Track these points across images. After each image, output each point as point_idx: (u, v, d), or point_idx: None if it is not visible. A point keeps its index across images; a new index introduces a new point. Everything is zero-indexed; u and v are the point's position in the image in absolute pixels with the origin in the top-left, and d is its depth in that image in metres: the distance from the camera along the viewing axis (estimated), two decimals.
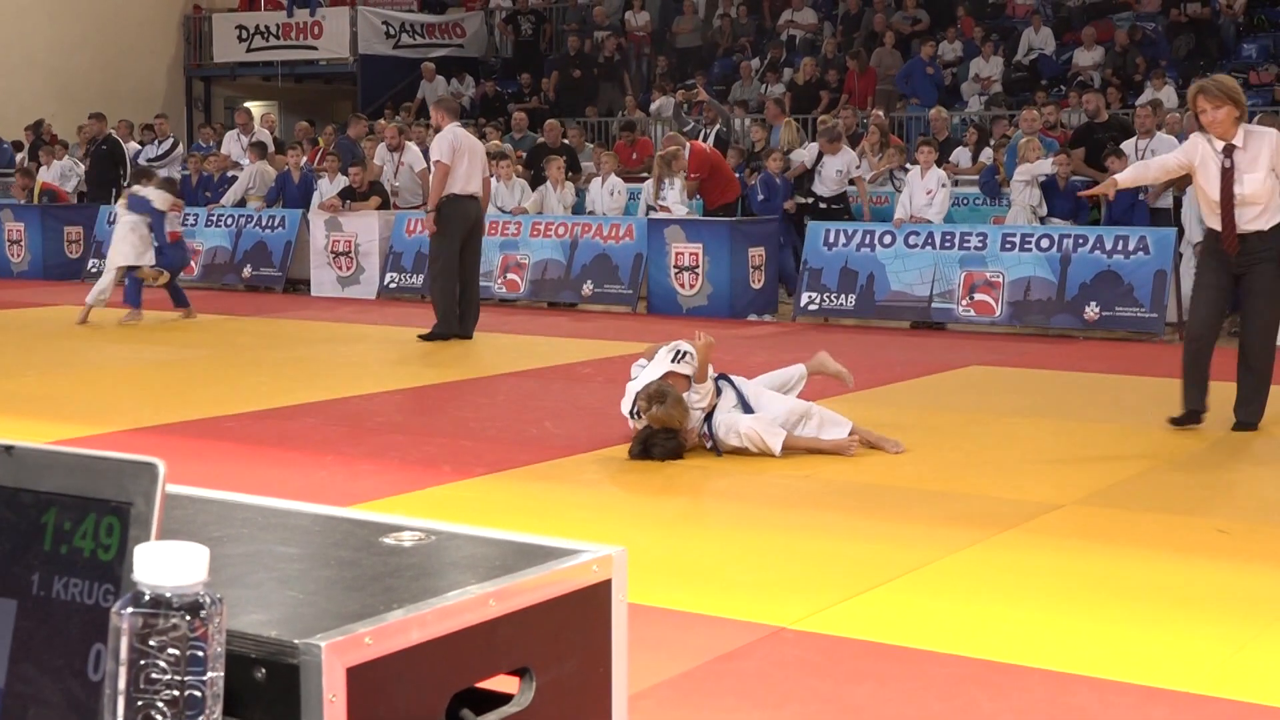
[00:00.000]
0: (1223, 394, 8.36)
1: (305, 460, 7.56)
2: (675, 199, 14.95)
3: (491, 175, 15.72)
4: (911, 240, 13.62)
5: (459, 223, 12.18)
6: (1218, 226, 8.16)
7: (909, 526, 6.26)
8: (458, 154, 12.10)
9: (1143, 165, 9.08)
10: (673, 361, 7.59)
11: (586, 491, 6.98)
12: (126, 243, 13.53)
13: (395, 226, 16.34)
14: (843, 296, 13.79)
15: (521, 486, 7.02)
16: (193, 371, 10.90)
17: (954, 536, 6.08)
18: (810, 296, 13.96)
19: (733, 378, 7.86)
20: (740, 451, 7.53)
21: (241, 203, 17.88)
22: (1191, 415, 8.31)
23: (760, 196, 15.18)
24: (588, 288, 15.10)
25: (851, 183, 15.51)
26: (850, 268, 13.82)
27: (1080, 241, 12.92)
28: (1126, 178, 8.67)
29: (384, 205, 16.50)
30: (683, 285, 14.44)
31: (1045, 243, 13.08)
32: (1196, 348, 8.30)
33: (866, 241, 13.86)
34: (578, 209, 16.52)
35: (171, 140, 20.32)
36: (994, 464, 7.64)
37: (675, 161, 15.03)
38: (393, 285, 16.23)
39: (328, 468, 7.38)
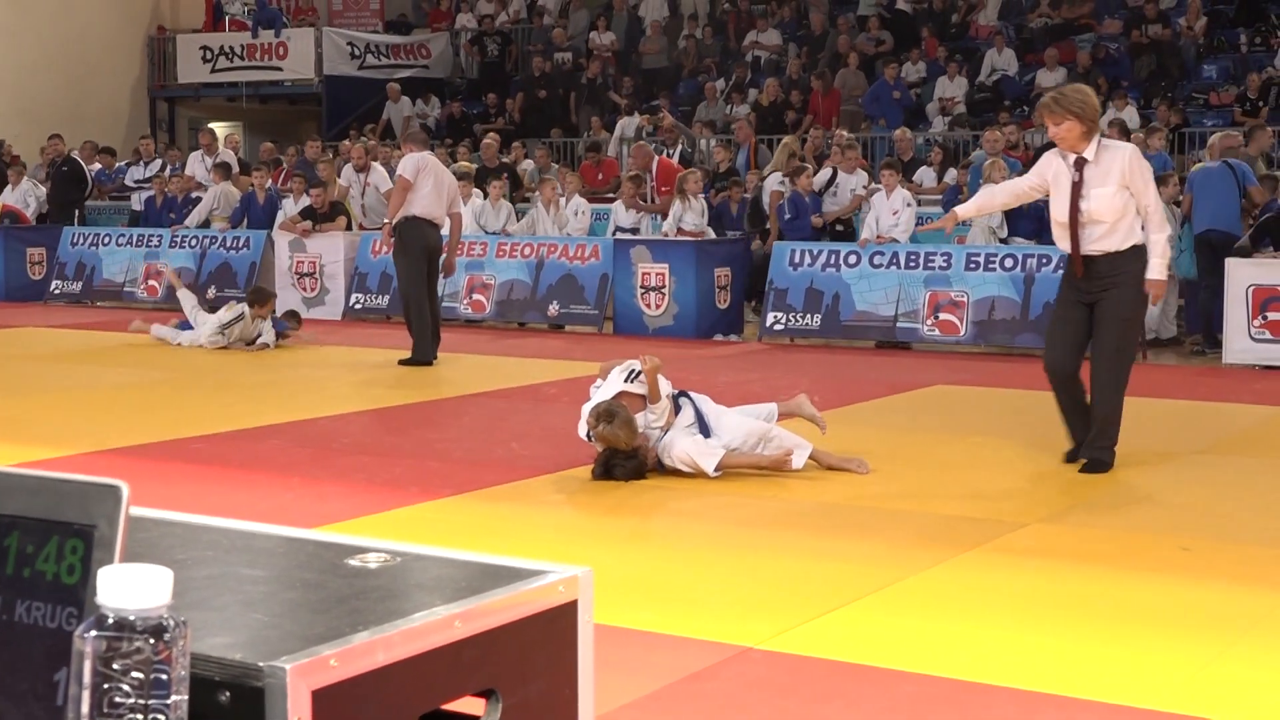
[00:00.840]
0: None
1: (271, 482, 7.53)
2: (695, 221, 14.92)
3: (484, 197, 15.87)
4: (876, 260, 13.68)
5: (420, 245, 11.99)
6: (1067, 248, 7.68)
7: (875, 546, 6.27)
8: (422, 175, 11.95)
9: (989, 191, 8.23)
10: (626, 381, 7.59)
11: (553, 512, 6.98)
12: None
13: (360, 247, 16.32)
14: (808, 316, 13.84)
15: (488, 508, 7.01)
16: (157, 393, 10.85)
17: (920, 556, 6.09)
18: (776, 316, 13.99)
19: (693, 395, 7.83)
20: (678, 472, 7.52)
21: (205, 224, 17.81)
22: (1079, 449, 7.85)
23: (788, 215, 14.99)
24: (553, 308, 15.10)
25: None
26: (816, 288, 13.87)
27: (1044, 261, 12.99)
28: (969, 209, 8.20)
29: (349, 226, 16.49)
30: (649, 305, 14.47)
31: (1009, 262, 13.15)
32: (1056, 384, 7.83)
33: (832, 261, 13.91)
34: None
35: (160, 162, 20.24)
36: (959, 483, 7.67)
37: (691, 181, 15.05)
38: (358, 306, 16.20)
39: (294, 489, 7.35)
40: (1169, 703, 4.39)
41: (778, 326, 13.99)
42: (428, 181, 11.99)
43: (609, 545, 6.36)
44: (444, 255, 12.23)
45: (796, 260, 14.06)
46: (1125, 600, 5.46)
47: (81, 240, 18.47)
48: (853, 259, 13.80)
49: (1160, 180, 13.53)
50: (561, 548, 6.20)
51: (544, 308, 15.16)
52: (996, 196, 8.40)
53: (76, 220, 19.31)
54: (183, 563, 1.68)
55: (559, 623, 1.67)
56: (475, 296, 15.51)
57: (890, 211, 14.04)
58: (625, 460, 7.42)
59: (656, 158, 15.75)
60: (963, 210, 8.20)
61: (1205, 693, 4.51)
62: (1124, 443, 8.51)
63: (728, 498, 7.19)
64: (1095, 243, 7.61)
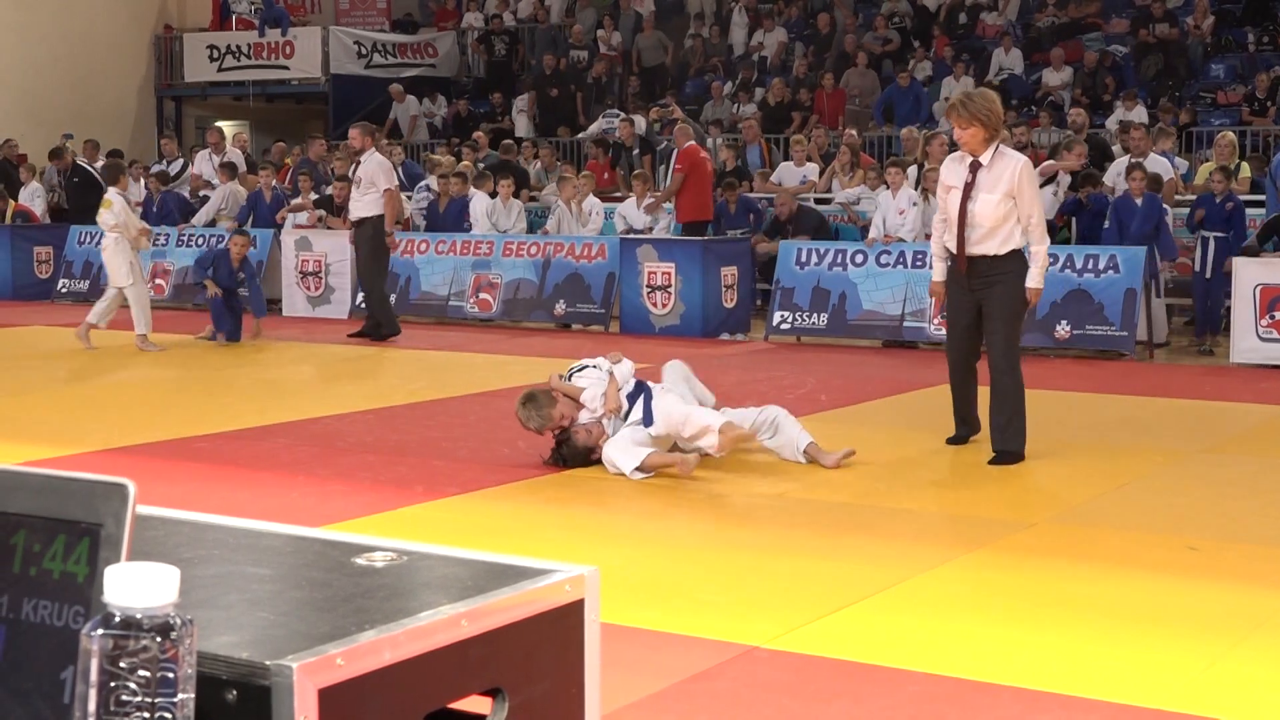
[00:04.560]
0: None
1: (277, 481, 7.54)
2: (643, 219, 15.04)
3: (491, 196, 16.15)
4: (883, 259, 13.67)
5: (383, 239, 13.87)
6: (952, 246, 7.99)
7: (881, 545, 6.27)
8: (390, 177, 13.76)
9: (934, 238, 8.24)
10: (578, 372, 7.99)
11: (559, 511, 6.98)
12: (119, 260, 13.43)
13: None
14: (815, 315, 13.83)
15: (494, 506, 7.01)
16: (163, 392, 10.86)
17: (926, 555, 6.09)
18: (783, 315, 13.98)
19: (651, 387, 7.88)
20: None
21: (212, 223, 17.83)
22: (959, 439, 8.33)
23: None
24: (560, 307, 15.10)
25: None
26: (822, 287, 13.85)
27: (1051, 260, 12.93)
28: (939, 270, 8.15)
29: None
30: (655, 305, 14.46)
31: None
32: (951, 372, 8.29)
33: (838, 261, 13.89)
34: (535, 229, 16.57)
35: (181, 161, 20.26)
36: (965, 483, 7.66)
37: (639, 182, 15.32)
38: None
39: (299, 488, 7.36)
40: (1175, 702, 4.38)
41: (784, 326, 13.98)
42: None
43: (615, 544, 6.36)
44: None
45: (803, 259, 14.05)
46: (1132, 600, 5.46)
47: (88, 239, 18.47)
48: (859, 258, 13.79)
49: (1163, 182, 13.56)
50: (567, 547, 6.21)
51: (550, 307, 15.17)
52: (939, 237, 8.26)
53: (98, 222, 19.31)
54: (189, 561, 1.68)
55: (565, 622, 1.68)
56: (482, 295, 15.51)
57: (897, 210, 14.03)
58: (560, 445, 7.79)
59: (689, 143, 15.75)
60: (936, 275, 8.23)
61: (1212, 692, 4.51)
62: (1130, 441, 8.51)
63: (734, 497, 7.19)
64: (975, 244, 7.96)
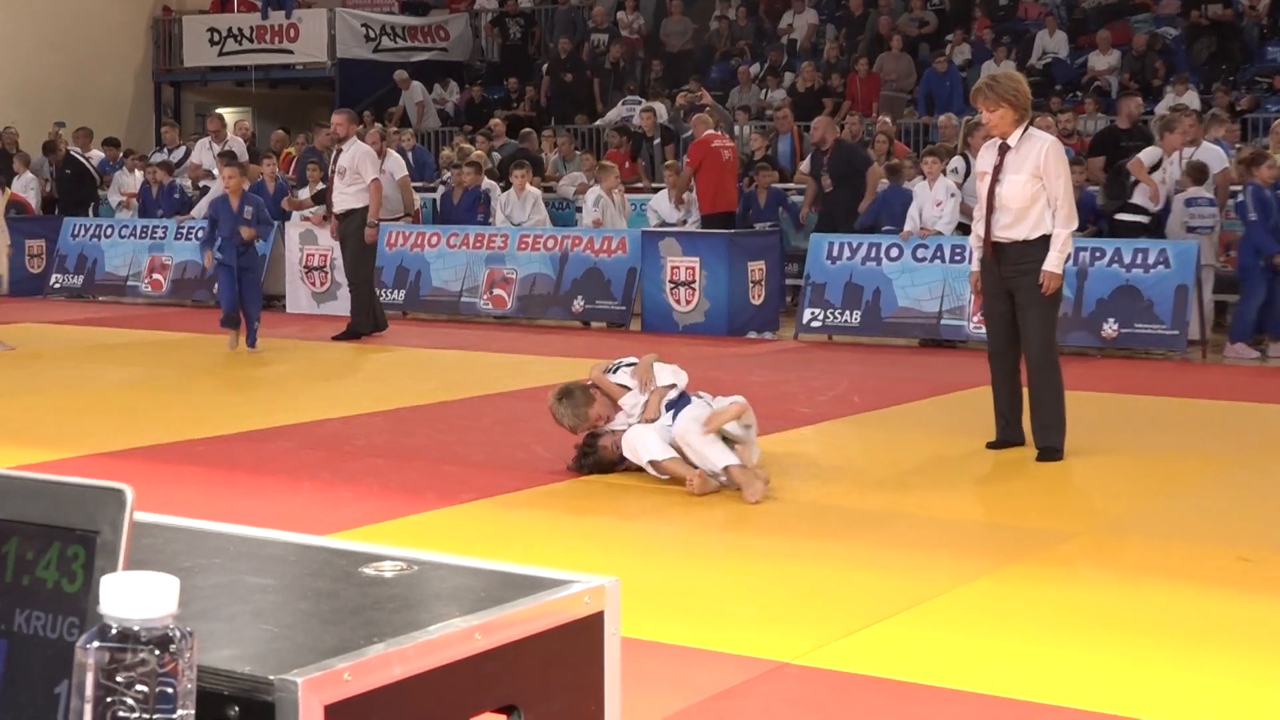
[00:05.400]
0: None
1: (280, 486, 7.55)
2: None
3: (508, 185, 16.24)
4: (920, 253, 13.65)
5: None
6: (981, 231, 8.16)
7: (919, 555, 6.26)
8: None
9: (974, 229, 8.32)
10: (613, 372, 7.91)
11: (578, 519, 6.98)
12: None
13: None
14: (847, 313, 13.81)
15: (509, 514, 7.02)
16: (161, 393, 10.89)
17: (966, 566, 6.08)
18: (813, 313, 13.97)
19: (693, 399, 7.76)
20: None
21: None
22: (1001, 443, 8.30)
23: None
24: (578, 304, 15.11)
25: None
26: (855, 282, 13.84)
27: (1097, 255, 12.94)
28: (976, 261, 8.26)
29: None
30: (678, 301, 14.46)
31: None
32: (992, 368, 8.32)
33: (872, 255, 13.88)
34: (563, 220, 16.56)
35: (184, 149, 20.35)
36: (1007, 490, 7.65)
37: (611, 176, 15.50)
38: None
39: (304, 494, 7.37)
40: None
41: (815, 324, 13.97)
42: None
43: (637, 554, 6.37)
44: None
45: (835, 253, 14.03)
46: (1182, 614, 5.44)
47: (83, 232, 18.56)
48: (894, 252, 13.77)
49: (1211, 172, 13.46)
50: (587, 556, 6.21)
51: (568, 304, 15.18)
52: (976, 225, 8.34)
53: (91, 213, 19.42)
54: (189, 571, 1.69)
55: (584, 635, 1.68)
56: (496, 292, 15.53)
57: (933, 202, 13.99)
58: (586, 454, 7.70)
59: (707, 131, 15.77)
60: (974, 265, 8.37)
61: (1267, 713, 4.49)
62: (1180, 446, 8.48)
63: (764, 504, 7.18)
64: (1003, 229, 8.04)
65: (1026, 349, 8.14)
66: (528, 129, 19.86)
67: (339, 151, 13.86)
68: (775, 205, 16.08)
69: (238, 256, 12.74)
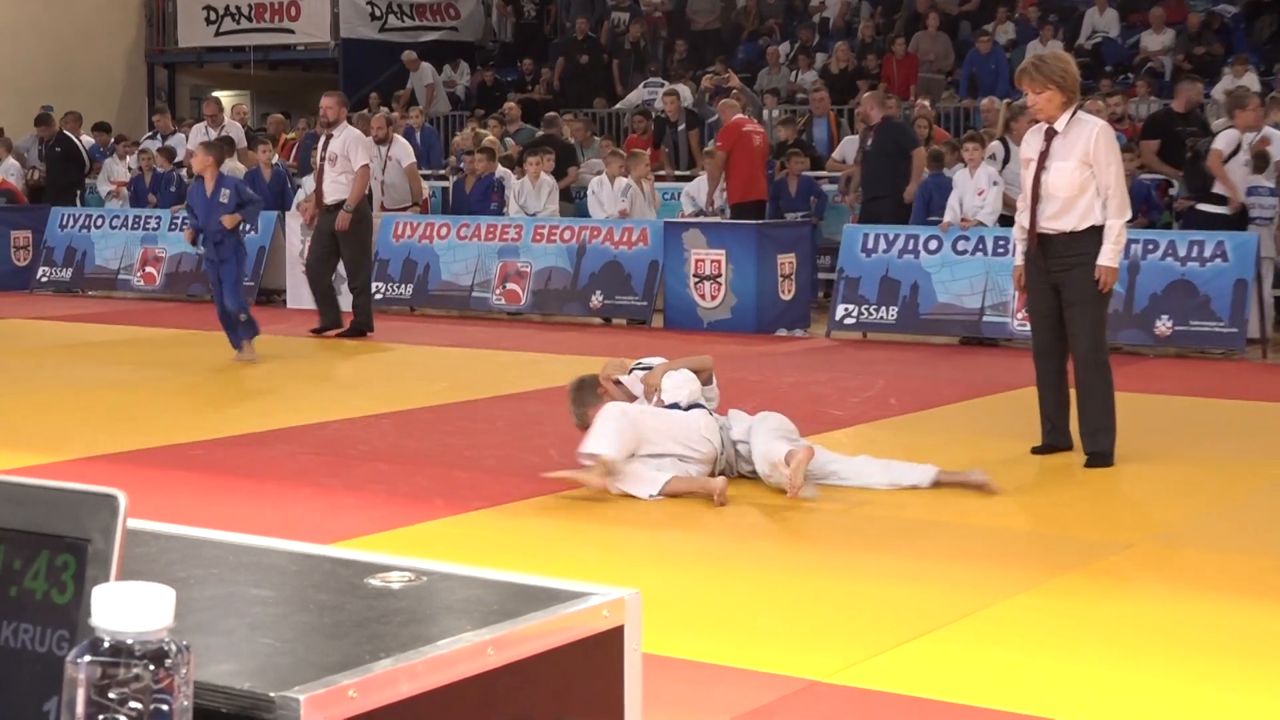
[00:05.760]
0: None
1: (281, 492, 7.57)
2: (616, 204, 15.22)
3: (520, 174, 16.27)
4: (960, 246, 13.63)
5: (369, 223, 14.28)
6: (1025, 222, 8.14)
7: (958, 568, 6.25)
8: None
9: (1017, 219, 8.39)
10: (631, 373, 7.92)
11: (596, 527, 6.98)
12: None
13: (381, 231, 16.35)
14: (883, 309, 13.79)
15: (523, 522, 7.02)
16: (155, 393, 10.92)
17: (1010, 578, 6.07)
18: (847, 309, 13.95)
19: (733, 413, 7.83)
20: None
21: None
22: (1046, 448, 8.29)
23: None
24: (597, 299, 15.12)
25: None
26: (891, 277, 13.82)
27: (1150, 247, 12.91)
28: (1110, 251, 8.05)
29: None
30: (703, 296, 14.46)
31: None
32: (1037, 368, 8.31)
33: (910, 247, 13.86)
34: (578, 211, 16.57)
35: (181, 138, 20.39)
36: (1053, 498, 7.63)
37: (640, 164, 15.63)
38: (379, 296, 16.24)
39: (306, 501, 7.39)
40: None
41: (848, 320, 13.95)
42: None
43: (659, 564, 6.37)
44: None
45: (870, 245, 14.02)
46: (1241, 632, 5.42)
47: (72, 223, 18.62)
48: (933, 244, 13.75)
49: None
50: (606, 567, 6.21)
51: (586, 299, 15.19)
52: (1020, 216, 8.36)
53: (79, 200, 19.47)
54: (184, 581, 1.69)
55: (603, 651, 1.68)
56: (509, 286, 15.55)
57: (975, 191, 13.97)
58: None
59: (736, 116, 15.78)
60: (1018, 259, 8.34)
61: None
62: (1239, 452, 8.45)
63: (794, 512, 7.18)
64: (1050, 220, 8.01)
65: (1074, 348, 8.12)
66: (552, 113, 19.69)
67: (329, 137, 13.80)
68: (807, 194, 16.07)
69: (216, 248, 12.04)
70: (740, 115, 15.94)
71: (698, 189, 16.17)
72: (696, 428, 7.52)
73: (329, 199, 13.75)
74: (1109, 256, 7.97)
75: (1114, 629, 5.44)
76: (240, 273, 12.34)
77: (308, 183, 17.16)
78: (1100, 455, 8.03)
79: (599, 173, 16.59)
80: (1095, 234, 7.98)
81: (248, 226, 12.66)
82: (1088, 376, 8.09)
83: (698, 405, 7.70)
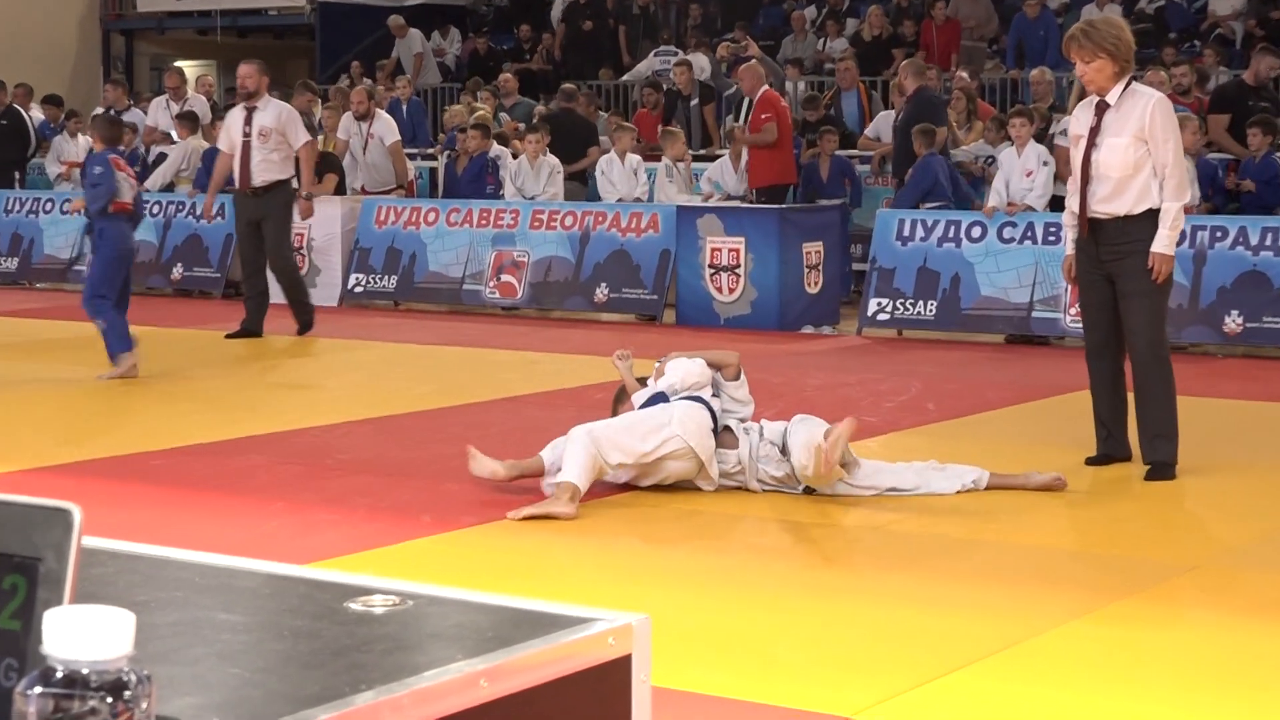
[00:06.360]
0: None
1: (251, 507, 7.58)
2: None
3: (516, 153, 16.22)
4: (1007, 233, 13.61)
5: (291, 206, 13.82)
6: (1075, 206, 8.13)
7: (1003, 592, 6.25)
8: None
9: (1067, 204, 8.39)
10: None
11: (601, 546, 6.99)
12: None
13: (362, 216, 16.38)
14: (920, 303, 13.78)
15: (520, 540, 7.03)
16: (111, 397, 10.93)
17: (1059, 605, 6.06)
18: (880, 303, 13.94)
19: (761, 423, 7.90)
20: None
21: (170, 187, 17.91)
22: (1101, 458, 8.28)
23: None
24: (602, 292, 15.11)
25: None
26: (930, 267, 13.81)
27: (1218, 234, 12.89)
28: (1165, 236, 8.02)
29: (340, 187, 16.55)
30: (720, 289, 14.45)
31: None
32: (1090, 369, 8.31)
33: (950, 235, 13.84)
34: (590, 196, 16.56)
35: (140, 114, 20.38)
36: (1109, 514, 7.62)
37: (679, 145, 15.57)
38: (359, 289, 16.28)
39: (279, 517, 7.40)
40: None
41: (882, 316, 13.94)
42: None
43: (671, 587, 6.37)
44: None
45: (906, 233, 14.01)
46: None
47: (18, 207, 18.62)
48: (976, 231, 13.74)
49: None
50: (612, 590, 6.21)
51: (590, 292, 15.18)
52: (1070, 200, 8.39)
53: (18, 182, 19.45)
54: (145, 605, 1.70)
55: (608, 683, 1.69)
56: (504, 278, 15.55)
57: (1023, 172, 13.95)
58: None
59: (765, 86, 15.80)
60: (1068, 248, 8.35)
61: None
62: None
63: (818, 529, 7.18)
64: (1101, 203, 7.99)
65: (1130, 345, 8.11)
66: (570, 85, 19.32)
67: (250, 110, 13.49)
68: (840, 176, 16.06)
69: (96, 236, 11.54)
70: (768, 85, 15.96)
71: (719, 171, 16.15)
72: (664, 423, 7.52)
73: (259, 180, 13.36)
74: (1164, 243, 7.95)
75: (1175, 662, 5.44)
76: (103, 271, 11.33)
77: (173, 157, 17.14)
78: (1161, 466, 8.02)
79: (605, 151, 16.59)
80: (1152, 218, 7.96)
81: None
82: (1146, 377, 8.08)
83: (696, 399, 7.72)
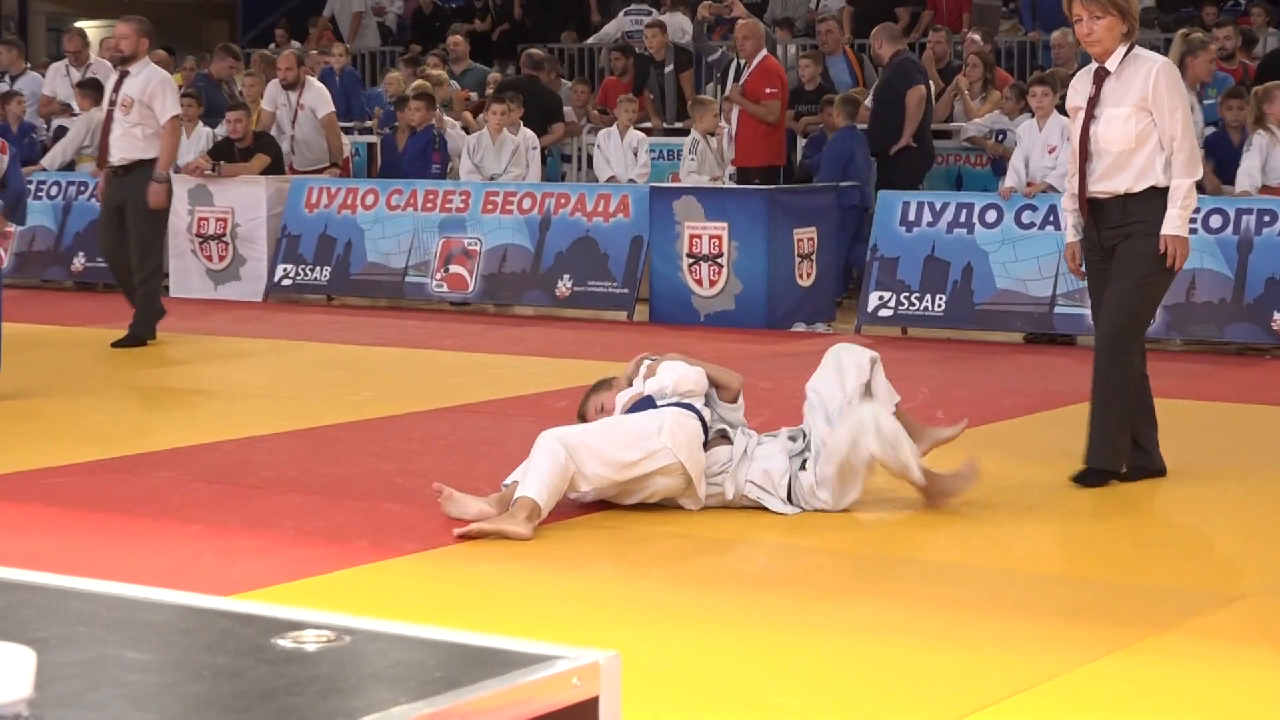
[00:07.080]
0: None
1: (162, 531, 7.56)
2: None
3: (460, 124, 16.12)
4: (1026, 218, 13.64)
5: (169, 195, 13.39)
6: (1074, 186, 8.21)
7: (1024, 625, 6.26)
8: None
9: (1067, 190, 8.58)
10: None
11: (566, 574, 6.99)
12: None
13: (290, 197, 16.35)
14: (928, 297, 13.80)
15: (471, 568, 7.03)
16: (0, 405, 10.90)
17: (1088, 640, 6.08)
18: (882, 298, 13.95)
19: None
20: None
21: (70, 165, 17.87)
22: (1135, 472, 8.26)
23: None
24: (564, 285, 15.10)
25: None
26: (938, 256, 13.82)
27: (1266, 218, 12.93)
28: (1071, 231, 8.34)
29: (274, 167, 16.52)
30: (700, 282, 14.45)
31: (1216, 220, 13.07)
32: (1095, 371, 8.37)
33: (962, 220, 13.86)
34: (550, 175, 16.58)
35: (36, 78, 20.24)
36: (1146, 537, 7.65)
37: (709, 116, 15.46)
38: (287, 282, 16.25)
39: (194, 542, 7.38)
40: None
41: (884, 312, 13.95)
42: None
43: (643, 621, 6.37)
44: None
45: (911, 217, 14.02)
46: None
47: None
48: (991, 215, 13.76)
49: None
50: (577, 624, 6.22)
51: (551, 285, 15.17)
52: (1069, 180, 8.50)
53: None
54: (45, 642, 1.70)
55: None
56: (453, 269, 15.53)
57: (1044, 148, 13.97)
58: None
59: (765, 51, 15.84)
60: (1069, 234, 8.43)
61: None
62: None
63: (814, 555, 7.19)
64: (1100, 180, 8.06)
65: (1097, 331, 8.21)
66: (535, 49, 19.13)
67: (123, 75, 13.21)
68: (839, 156, 16.06)
69: None
70: (766, 53, 16.01)
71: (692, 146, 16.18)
72: (651, 432, 7.53)
73: (116, 158, 13.15)
74: (1175, 223, 8.01)
75: (1219, 698, 5.46)
76: None
77: (74, 131, 17.10)
78: (1093, 474, 8.09)
79: (586, 127, 16.60)
80: (1156, 197, 8.02)
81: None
82: (1104, 367, 8.15)
83: (688, 407, 7.72)
